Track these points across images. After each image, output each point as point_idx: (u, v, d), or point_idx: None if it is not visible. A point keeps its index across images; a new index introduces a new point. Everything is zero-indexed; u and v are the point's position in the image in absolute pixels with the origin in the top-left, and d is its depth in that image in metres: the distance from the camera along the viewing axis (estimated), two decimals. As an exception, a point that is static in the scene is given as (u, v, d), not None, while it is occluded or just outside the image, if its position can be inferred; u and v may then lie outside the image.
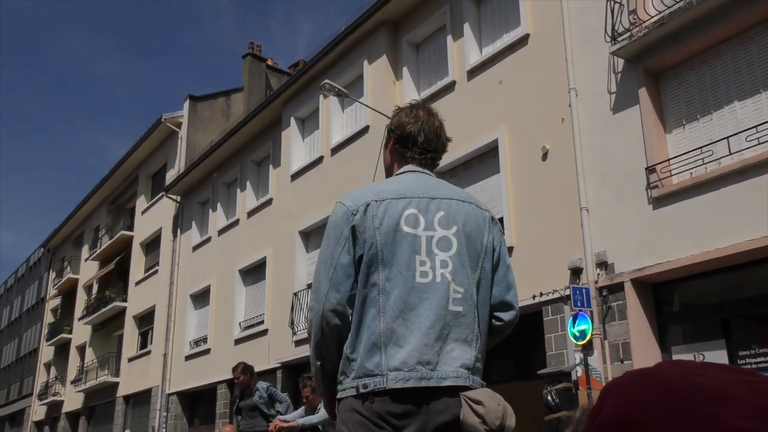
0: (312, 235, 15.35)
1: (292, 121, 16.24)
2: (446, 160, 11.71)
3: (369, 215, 1.81)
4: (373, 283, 1.76)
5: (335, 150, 14.74)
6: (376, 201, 1.84)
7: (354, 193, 1.90)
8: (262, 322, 16.34)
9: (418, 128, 2.03)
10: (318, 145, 15.57)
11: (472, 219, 1.92)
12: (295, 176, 15.89)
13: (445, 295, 1.79)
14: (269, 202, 17.10)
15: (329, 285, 1.76)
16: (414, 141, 2.03)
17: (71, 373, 28.49)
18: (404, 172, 2.01)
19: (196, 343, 19.33)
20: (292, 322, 14.62)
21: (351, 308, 1.77)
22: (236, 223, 18.34)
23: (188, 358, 19.28)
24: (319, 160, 15.22)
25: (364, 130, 13.75)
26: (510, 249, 10.31)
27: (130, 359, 22.92)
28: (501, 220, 10.76)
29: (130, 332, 23.39)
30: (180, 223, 21.31)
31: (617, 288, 8.84)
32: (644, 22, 8.99)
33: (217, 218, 19.23)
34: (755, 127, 8.01)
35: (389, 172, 2.06)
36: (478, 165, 11.53)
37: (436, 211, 1.88)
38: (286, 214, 15.91)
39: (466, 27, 12.14)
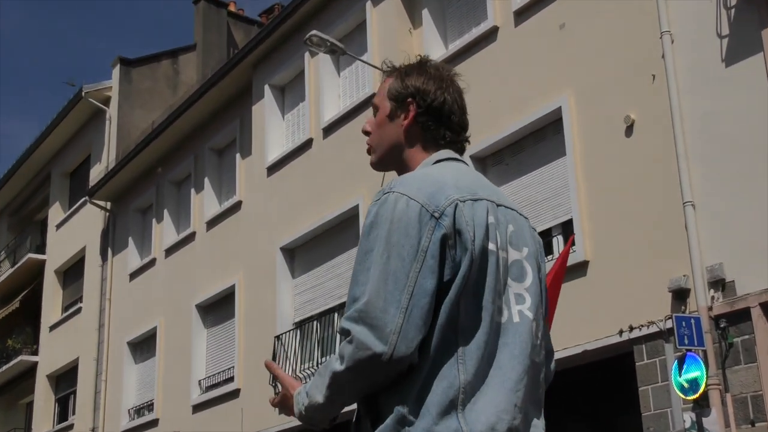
0: (300, 253, 15.33)
1: (267, 90, 16.27)
2: (489, 140, 11.73)
3: (462, 222, 1.87)
4: (453, 319, 1.82)
5: (329, 129, 14.74)
6: (463, 200, 1.90)
7: (418, 181, 1.92)
8: (231, 380, 16.40)
9: (451, 97, 2.11)
10: (305, 123, 15.60)
11: (536, 240, 2.08)
12: (274, 169, 15.93)
13: (529, 340, 1.91)
14: (237, 206, 17.16)
15: (403, 317, 1.77)
16: (448, 116, 2.10)
17: (-38, 458, 28.57)
18: (444, 160, 2.07)
19: (138, 411, 19.32)
20: (275, 379, 14.61)
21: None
22: (191, 237, 18.45)
23: (127, 433, 19.34)
24: (307, 144, 15.26)
25: (370, 100, 13.62)
26: (584, 264, 10.36)
27: (45, 437, 22.99)
28: (569, 222, 10.85)
29: (44, 398, 23.40)
30: (111, 241, 21.38)
31: (741, 316, 8.76)
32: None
33: (164, 232, 19.36)
34: None
35: (398, 157, 2.12)
36: (534, 146, 11.57)
37: (506, 222, 1.98)
38: (262, 223, 15.99)
39: (511, -51, 12.13)
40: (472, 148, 11.30)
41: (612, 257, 10.10)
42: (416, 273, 1.79)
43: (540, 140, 11.50)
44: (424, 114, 2.08)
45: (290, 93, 16.32)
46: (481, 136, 11.49)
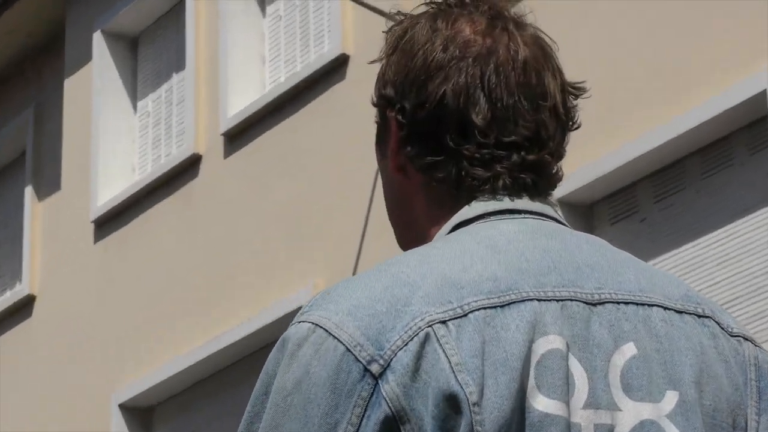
0: (165, 414, 13.73)
1: (99, 43, 14.58)
2: (599, 166, 10.87)
3: (437, 371, 1.42)
4: None
5: (238, 137, 13.09)
6: (449, 319, 1.45)
7: (359, 290, 1.48)
8: None
9: (466, 80, 1.61)
10: (184, 121, 13.94)
11: (716, 368, 1.60)
12: (110, 224, 14.10)
13: None
14: (26, 307, 15.19)
15: None
16: (459, 128, 1.60)
17: None
18: (472, 221, 1.64)
19: None
20: None
21: None
22: None
23: None
24: (189, 168, 13.54)
25: (336, 70, 12.61)
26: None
27: None
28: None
29: None
30: None
31: None
32: None
33: None
34: None
35: (410, 232, 1.74)
36: (704, 179, 10.91)
37: (613, 341, 1.54)
38: (85, 346, 14.21)
39: None
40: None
41: None
42: None
43: (717, 165, 10.66)
44: (408, 138, 1.57)
45: (150, 52, 14.74)
46: (579, 157, 10.16)
